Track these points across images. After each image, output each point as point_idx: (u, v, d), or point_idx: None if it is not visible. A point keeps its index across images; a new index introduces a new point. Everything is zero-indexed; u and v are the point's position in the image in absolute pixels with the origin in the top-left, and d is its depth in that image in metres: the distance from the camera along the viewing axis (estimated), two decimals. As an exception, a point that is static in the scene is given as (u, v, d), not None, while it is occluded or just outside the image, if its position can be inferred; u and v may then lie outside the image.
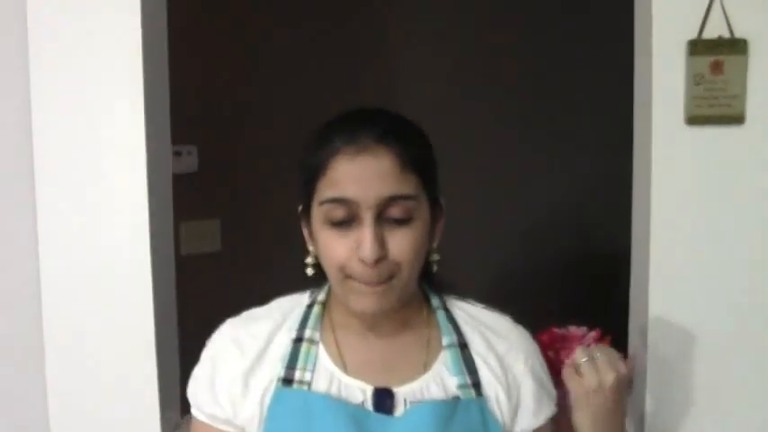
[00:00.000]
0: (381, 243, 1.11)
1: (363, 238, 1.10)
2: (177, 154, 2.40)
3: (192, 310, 1.78)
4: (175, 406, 1.67)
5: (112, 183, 1.60)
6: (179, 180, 1.81)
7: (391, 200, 1.11)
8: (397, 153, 1.11)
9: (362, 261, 1.10)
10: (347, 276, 1.13)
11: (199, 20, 2.43)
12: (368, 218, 1.10)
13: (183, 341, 1.74)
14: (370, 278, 1.11)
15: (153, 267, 1.60)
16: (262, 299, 1.29)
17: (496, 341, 1.27)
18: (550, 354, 1.61)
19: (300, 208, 1.21)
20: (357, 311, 1.17)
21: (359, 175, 1.10)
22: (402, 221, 1.12)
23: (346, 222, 1.12)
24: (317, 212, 1.14)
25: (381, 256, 1.10)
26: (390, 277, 1.13)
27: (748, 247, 1.59)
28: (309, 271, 1.23)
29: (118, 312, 1.61)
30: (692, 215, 1.58)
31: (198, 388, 1.25)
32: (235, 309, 1.28)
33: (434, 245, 1.22)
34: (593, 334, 1.64)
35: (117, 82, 1.58)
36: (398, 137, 1.13)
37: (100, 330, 1.61)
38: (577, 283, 3.16)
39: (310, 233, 1.20)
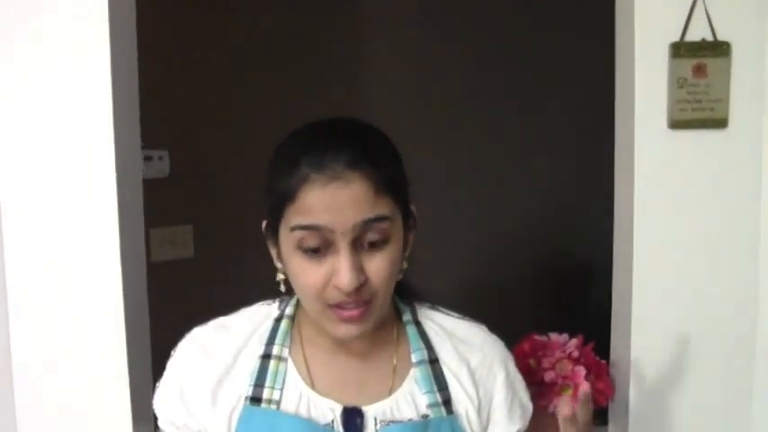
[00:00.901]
0: (359, 270, 1.07)
1: (340, 267, 1.06)
2: (148, 159, 2.36)
3: (165, 317, 1.73)
4: (148, 418, 1.63)
5: (80, 189, 1.55)
6: (150, 185, 1.77)
7: (366, 224, 1.07)
8: (369, 177, 1.06)
9: (340, 289, 1.07)
10: (325, 305, 1.10)
11: (170, 22, 2.40)
12: (344, 245, 1.06)
13: (154, 350, 1.68)
14: (348, 306, 1.08)
15: (123, 275, 1.56)
16: (236, 305, 1.25)
17: (469, 353, 1.24)
18: (532, 362, 1.58)
19: (265, 223, 1.18)
20: (336, 337, 1.14)
21: (331, 202, 1.05)
22: (378, 244, 1.09)
23: (320, 249, 1.08)
24: (288, 238, 1.10)
25: (360, 284, 1.07)
26: (367, 301, 1.10)
27: (731, 250, 1.59)
28: (282, 288, 1.19)
29: (88, 321, 1.56)
30: (675, 219, 1.58)
31: (167, 399, 1.20)
32: (209, 316, 1.24)
33: (406, 254, 1.19)
34: (574, 341, 1.62)
35: (84, 83, 1.54)
36: (369, 161, 1.08)
37: (69, 339, 1.57)
38: (552, 289, 3.15)
39: (278, 253, 1.16)
